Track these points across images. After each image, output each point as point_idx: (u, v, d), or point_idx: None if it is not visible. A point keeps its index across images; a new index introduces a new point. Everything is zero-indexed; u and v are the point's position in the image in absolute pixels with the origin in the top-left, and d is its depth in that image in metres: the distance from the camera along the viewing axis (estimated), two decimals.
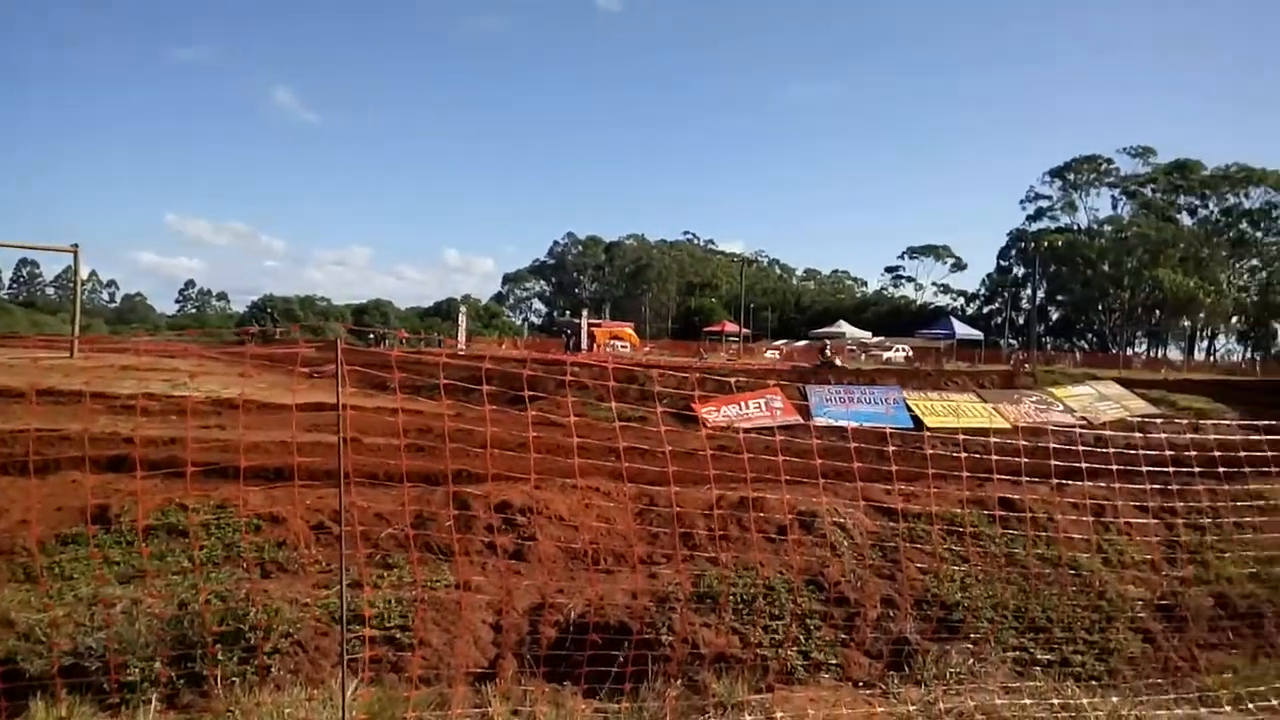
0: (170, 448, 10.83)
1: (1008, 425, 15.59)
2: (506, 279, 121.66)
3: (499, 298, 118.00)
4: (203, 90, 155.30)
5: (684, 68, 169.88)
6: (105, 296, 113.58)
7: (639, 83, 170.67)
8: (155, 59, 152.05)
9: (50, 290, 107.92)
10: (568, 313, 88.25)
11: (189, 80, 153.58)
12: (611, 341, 51.95)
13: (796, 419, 15.86)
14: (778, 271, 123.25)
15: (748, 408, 16.20)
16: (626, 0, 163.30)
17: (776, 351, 54.76)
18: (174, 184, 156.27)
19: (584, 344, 44.99)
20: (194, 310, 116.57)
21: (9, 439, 11.02)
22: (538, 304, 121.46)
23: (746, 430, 13.42)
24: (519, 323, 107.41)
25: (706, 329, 67.98)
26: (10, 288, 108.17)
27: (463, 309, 52.21)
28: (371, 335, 52.06)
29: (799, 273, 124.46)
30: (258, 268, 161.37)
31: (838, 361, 31.63)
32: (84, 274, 37.55)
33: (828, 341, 39.30)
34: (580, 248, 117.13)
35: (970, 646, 5.69)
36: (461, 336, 42.19)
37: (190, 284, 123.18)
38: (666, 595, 5.58)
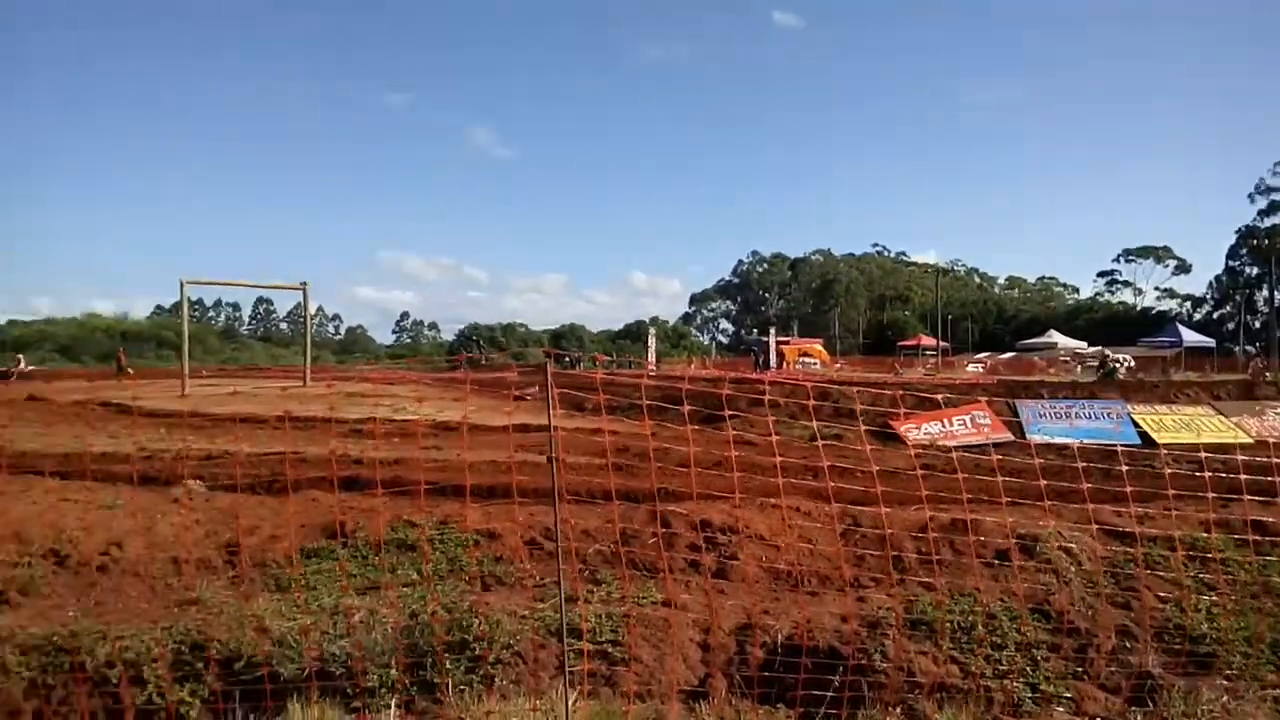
0: (395, 468, 11.66)
1: (1250, 440, 14.10)
2: (693, 299, 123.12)
3: (686, 318, 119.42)
4: (409, 134, 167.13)
5: (866, 79, 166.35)
6: (331, 329, 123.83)
7: (820, 97, 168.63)
8: (367, 108, 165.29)
9: (284, 325, 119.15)
10: (754, 331, 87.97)
11: (396, 126, 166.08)
12: (801, 359, 51.29)
13: (1007, 436, 15.03)
14: (976, 281, 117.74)
15: (951, 424, 15.51)
16: (805, 16, 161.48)
17: (979, 365, 52.17)
18: (387, 223, 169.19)
19: (773, 362, 44.65)
20: (409, 340, 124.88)
21: (257, 461, 12.23)
22: (724, 323, 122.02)
23: (952, 448, 12.85)
24: (706, 342, 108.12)
25: (901, 344, 65.83)
26: (250, 324, 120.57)
27: (651, 330, 53.27)
28: (568, 359, 53.98)
29: (1000, 281, 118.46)
30: (463, 298, 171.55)
31: (1121, 372, 29.09)
32: (312, 309, 41.17)
33: (1106, 351, 35.17)
34: (765, 265, 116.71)
35: (1224, 683, 5.14)
36: (651, 357, 42.98)
37: (405, 315, 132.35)
38: (878, 620, 5.40)
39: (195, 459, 12.70)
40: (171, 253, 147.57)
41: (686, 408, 5.67)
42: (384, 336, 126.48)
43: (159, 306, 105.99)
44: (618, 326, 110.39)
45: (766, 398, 8.76)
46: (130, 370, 44.66)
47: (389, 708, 4.44)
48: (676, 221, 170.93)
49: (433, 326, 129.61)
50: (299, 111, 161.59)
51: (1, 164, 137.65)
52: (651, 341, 45.71)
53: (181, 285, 33.20)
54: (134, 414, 20.67)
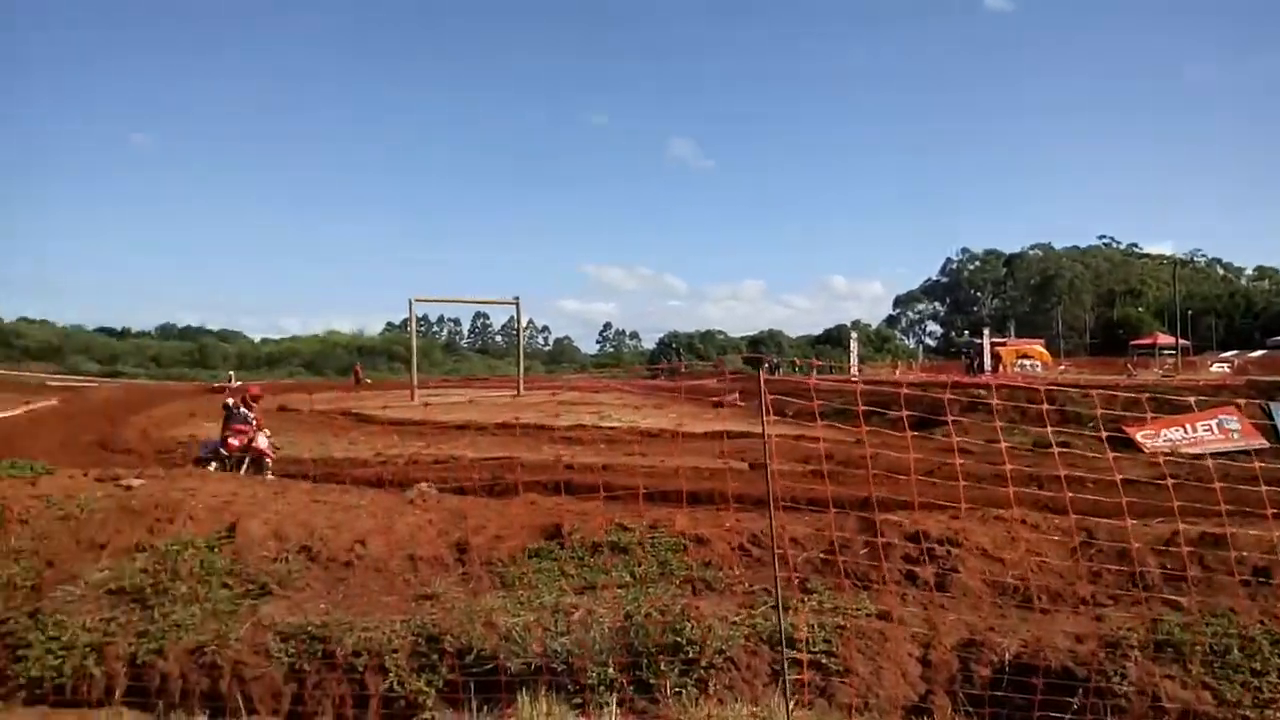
0: (605, 473, 12.03)
1: None
2: (898, 301, 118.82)
3: (890, 321, 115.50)
4: (610, 151, 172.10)
5: (1086, 59, 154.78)
6: (540, 341, 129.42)
7: (1032, 84, 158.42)
8: (573, 125, 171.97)
9: (498, 338, 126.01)
10: (965, 332, 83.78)
11: (600, 143, 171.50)
12: (1020, 361, 48.21)
13: (1261, 442, 13.48)
14: (1220, 272, 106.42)
15: (1195, 430, 14.13)
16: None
17: (1225, 365, 47.07)
18: (590, 237, 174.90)
19: (988, 364, 42.30)
20: (611, 349, 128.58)
21: (480, 465, 12.98)
22: (932, 325, 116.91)
23: (1198, 455, 11.68)
24: (912, 345, 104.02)
25: (1133, 342, 60.50)
26: (469, 337, 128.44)
27: (853, 334, 51.95)
28: (766, 364, 53.61)
29: (1248, 272, 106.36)
30: (662, 307, 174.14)
31: None
32: (523, 322, 43.23)
33: None
34: (977, 263, 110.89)
35: None
36: (854, 362, 41.91)
37: (607, 325, 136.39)
38: (1118, 640, 4.98)
39: (425, 463, 13.69)
40: (401, 274, 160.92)
41: (904, 413, 5.46)
42: (588, 346, 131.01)
43: (389, 323, 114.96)
44: (817, 331, 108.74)
45: (995, 402, 8.28)
46: (367, 381, 48.77)
47: (609, 705, 4.57)
48: (877, 222, 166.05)
49: (634, 336, 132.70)
50: (510, 137, 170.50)
51: (262, 205, 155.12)
52: (854, 345, 44.53)
53: (410, 303, 35.99)
54: (373, 423, 22.52)
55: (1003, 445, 6.26)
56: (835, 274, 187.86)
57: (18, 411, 26.33)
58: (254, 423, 13.29)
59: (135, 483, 8.12)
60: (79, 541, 6.95)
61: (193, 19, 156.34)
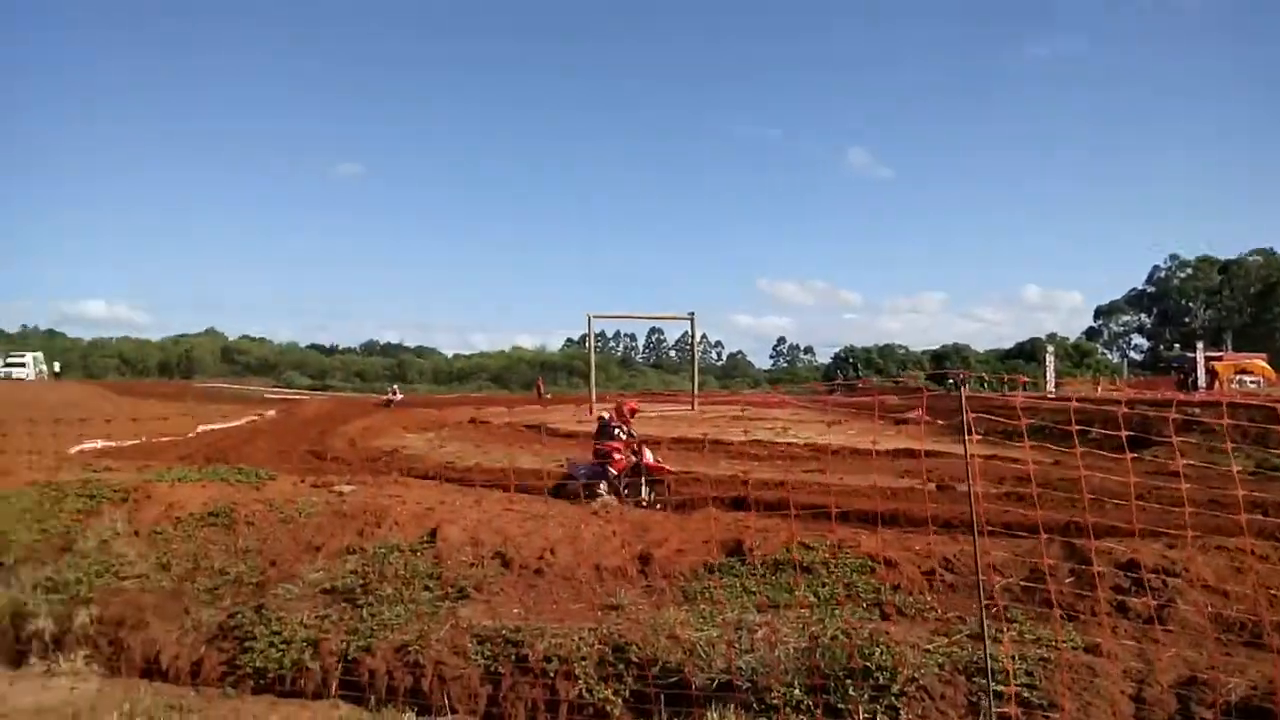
0: (780, 489, 11.91)
1: None
2: (1099, 312, 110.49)
3: (1090, 334, 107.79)
4: (783, 162, 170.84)
5: None
6: (714, 355, 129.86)
7: (1244, 67, 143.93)
8: (733, 140, 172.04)
9: (672, 352, 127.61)
10: (1176, 346, 77.18)
11: (770, 156, 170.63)
12: (1238, 376, 43.89)
13: None
14: None
15: None
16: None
17: None
18: (763, 251, 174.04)
19: (1202, 381, 38.76)
20: (785, 364, 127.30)
21: None
22: (1137, 339, 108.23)
23: None
24: (1115, 360, 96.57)
25: None
26: (643, 352, 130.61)
27: (1049, 349, 48.87)
28: (953, 380, 51.32)
29: None
30: (837, 320, 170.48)
31: None
32: (697, 336, 43.56)
33: None
34: (1188, 271, 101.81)
35: None
36: (1050, 378, 39.45)
37: (781, 340, 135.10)
38: None
39: None
40: (580, 292, 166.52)
41: (1122, 433, 5.10)
42: (761, 361, 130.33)
43: (569, 339, 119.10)
44: (1007, 345, 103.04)
45: (1215, 421, 7.62)
46: (548, 396, 50.58)
47: None
48: (1076, 228, 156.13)
49: (808, 350, 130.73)
50: (682, 153, 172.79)
51: (456, 229, 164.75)
52: (1049, 360, 41.84)
53: (589, 320, 37.09)
54: (555, 435, 23.33)
55: (1234, 469, 5.70)
56: (1029, 283, 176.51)
57: (241, 422, 29.09)
58: (631, 439, 12.00)
59: (346, 489, 8.79)
60: (298, 543, 7.58)
61: (391, 63, 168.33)
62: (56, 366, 63.56)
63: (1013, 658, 4.83)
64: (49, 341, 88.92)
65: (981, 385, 43.08)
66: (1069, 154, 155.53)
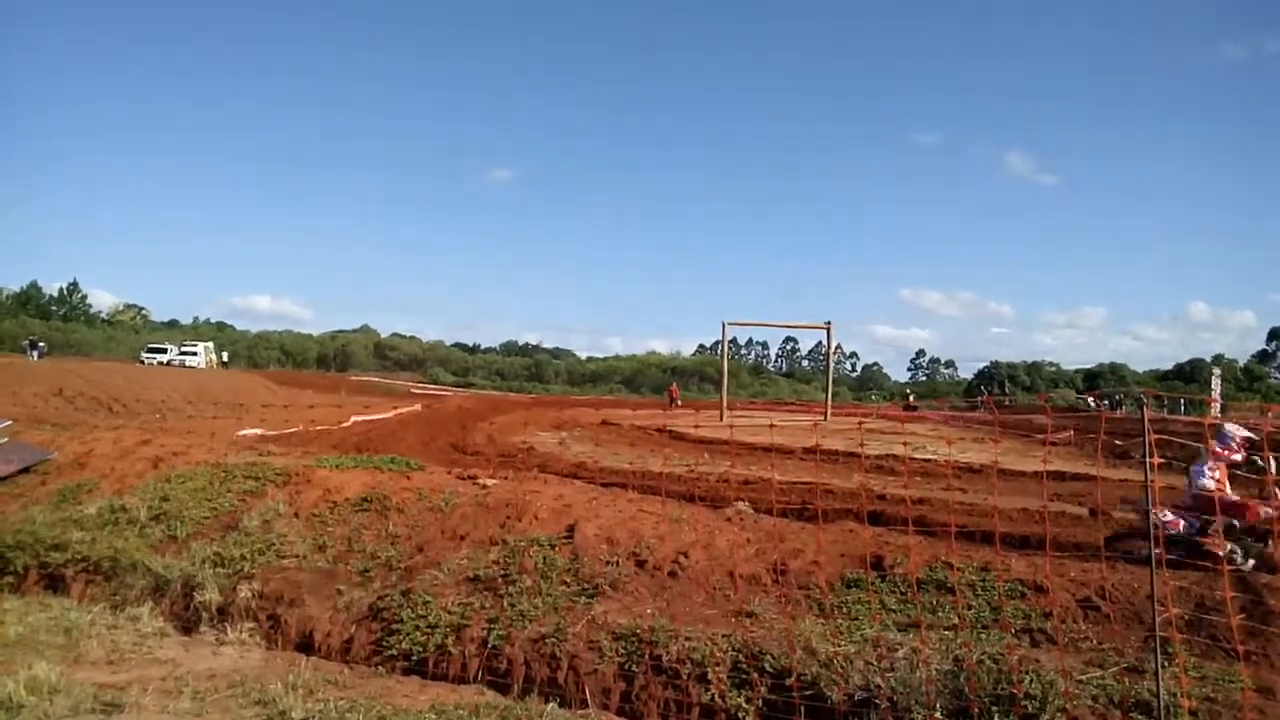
0: (920, 507, 11.56)
1: None
2: (1273, 334, 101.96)
3: (1263, 356, 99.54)
4: (938, 167, 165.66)
5: None
6: (848, 366, 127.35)
7: None
8: (895, 146, 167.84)
9: (805, 362, 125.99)
10: None
11: (925, 161, 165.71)
12: None
13: None
14: None
15: None
16: None
17: None
18: (910, 259, 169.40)
19: None
20: (924, 378, 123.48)
21: (788, 488, 12.99)
22: None
23: None
24: None
25: None
26: (776, 360, 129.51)
27: (1216, 370, 45.54)
28: (1106, 400, 48.47)
29: None
30: (984, 335, 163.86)
31: None
32: (832, 346, 42.80)
33: None
34: None
35: None
36: (1216, 400, 36.75)
37: (921, 353, 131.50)
38: None
39: (734, 482, 13.95)
40: (714, 299, 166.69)
41: None
42: (898, 374, 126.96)
43: (701, 345, 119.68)
44: (1166, 365, 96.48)
45: None
46: (679, 402, 50.65)
47: None
48: (1251, 241, 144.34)
49: (949, 364, 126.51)
50: (825, 159, 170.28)
51: (592, 234, 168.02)
52: (1216, 383, 39.00)
53: (723, 326, 37.09)
54: (685, 440, 23.41)
55: None
56: (1197, 300, 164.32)
57: (389, 415, 30.52)
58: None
59: (489, 482, 9.07)
60: (443, 531, 7.88)
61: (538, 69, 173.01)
62: (225, 356, 68.11)
63: (1189, 694, 4.52)
64: (218, 332, 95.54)
65: (1139, 405, 40.45)
66: (1248, 161, 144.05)
